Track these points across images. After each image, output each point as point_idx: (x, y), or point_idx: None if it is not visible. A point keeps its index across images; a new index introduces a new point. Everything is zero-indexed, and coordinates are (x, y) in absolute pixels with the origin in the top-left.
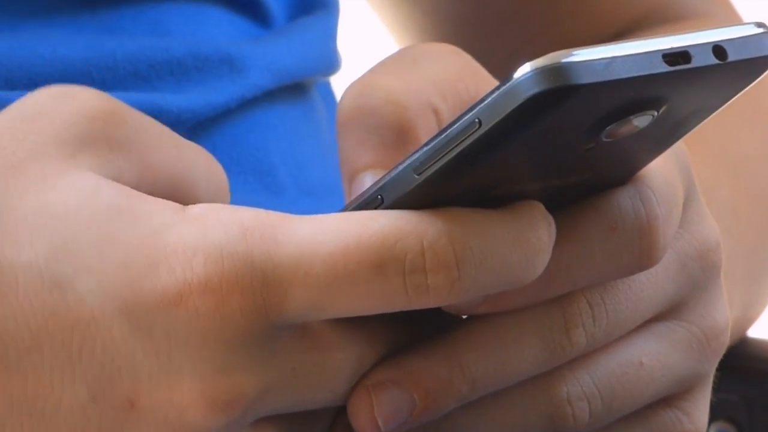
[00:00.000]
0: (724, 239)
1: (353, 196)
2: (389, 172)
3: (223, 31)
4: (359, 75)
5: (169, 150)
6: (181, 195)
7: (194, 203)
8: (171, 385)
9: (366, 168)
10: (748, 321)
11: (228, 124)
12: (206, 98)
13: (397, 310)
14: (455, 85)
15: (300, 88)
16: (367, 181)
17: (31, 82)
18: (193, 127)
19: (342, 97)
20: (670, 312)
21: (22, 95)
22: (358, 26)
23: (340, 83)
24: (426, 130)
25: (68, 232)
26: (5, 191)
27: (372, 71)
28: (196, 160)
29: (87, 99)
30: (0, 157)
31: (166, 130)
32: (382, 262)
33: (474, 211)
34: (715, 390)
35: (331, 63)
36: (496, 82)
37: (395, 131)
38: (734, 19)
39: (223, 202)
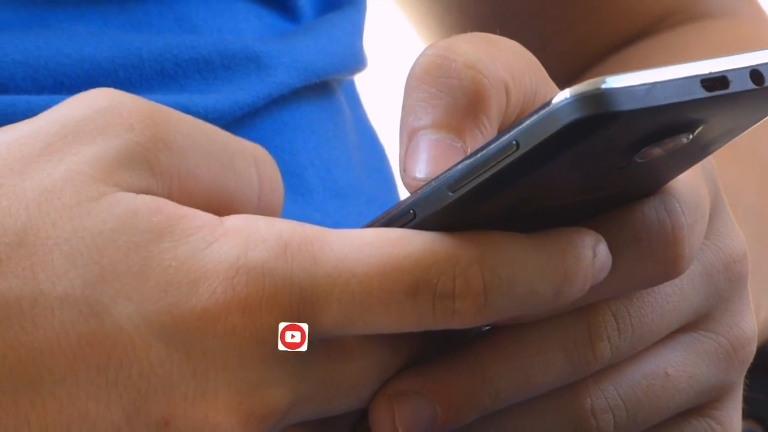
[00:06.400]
0: (751, 242)
1: (408, 154)
2: (422, 187)
3: (251, 25)
4: (383, 74)
5: (215, 171)
6: (223, 212)
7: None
8: (207, 403)
9: (428, 127)
10: None
11: (255, 125)
12: (233, 98)
13: (422, 329)
14: (523, 74)
15: (326, 87)
16: (423, 142)
17: (58, 82)
18: (221, 128)
19: (420, 54)
20: (696, 323)
21: (48, 100)
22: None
23: (364, 82)
24: (497, 105)
25: (105, 260)
26: (39, 218)
27: (452, 38)
28: (246, 173)
29: (135, 120)
30: (35, 177)
31: (215, 147)
32: (416, 285)
33: (505, 237)
34: (743, 390)
35: (357, 61)
36: (555, 86)
37: (469, 96)
38: (760, 16)
39: (275, 212)
